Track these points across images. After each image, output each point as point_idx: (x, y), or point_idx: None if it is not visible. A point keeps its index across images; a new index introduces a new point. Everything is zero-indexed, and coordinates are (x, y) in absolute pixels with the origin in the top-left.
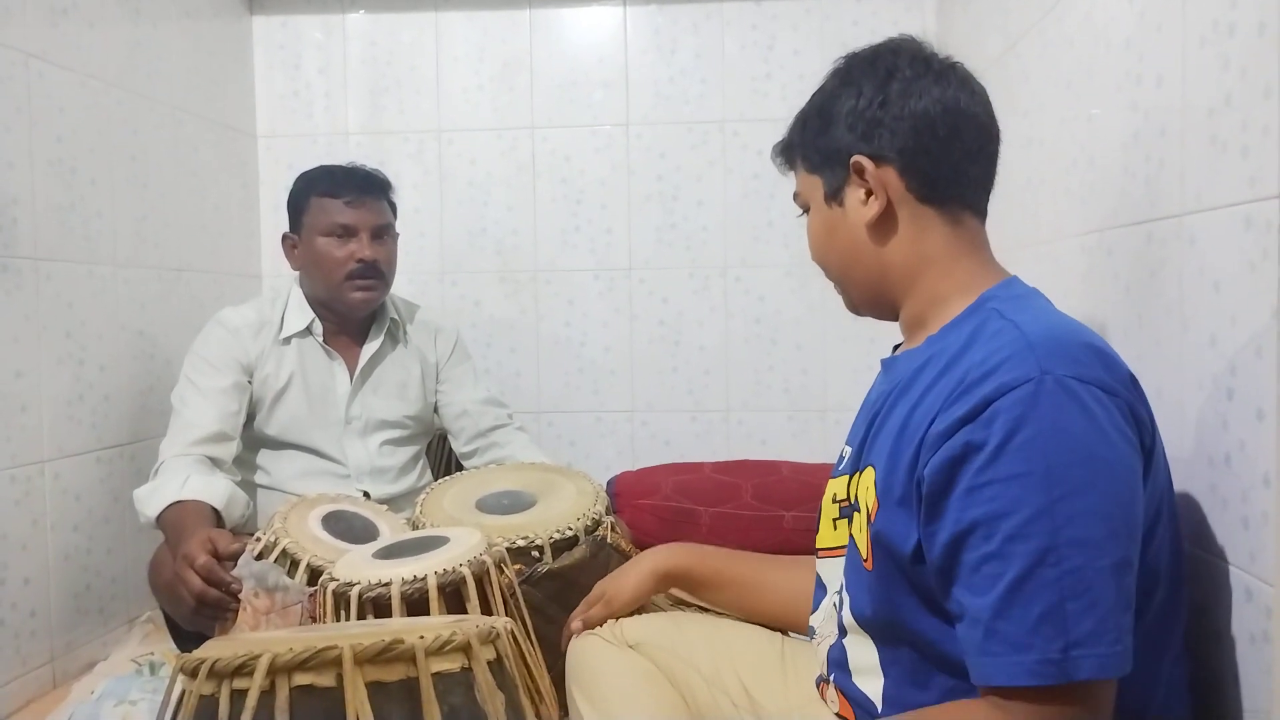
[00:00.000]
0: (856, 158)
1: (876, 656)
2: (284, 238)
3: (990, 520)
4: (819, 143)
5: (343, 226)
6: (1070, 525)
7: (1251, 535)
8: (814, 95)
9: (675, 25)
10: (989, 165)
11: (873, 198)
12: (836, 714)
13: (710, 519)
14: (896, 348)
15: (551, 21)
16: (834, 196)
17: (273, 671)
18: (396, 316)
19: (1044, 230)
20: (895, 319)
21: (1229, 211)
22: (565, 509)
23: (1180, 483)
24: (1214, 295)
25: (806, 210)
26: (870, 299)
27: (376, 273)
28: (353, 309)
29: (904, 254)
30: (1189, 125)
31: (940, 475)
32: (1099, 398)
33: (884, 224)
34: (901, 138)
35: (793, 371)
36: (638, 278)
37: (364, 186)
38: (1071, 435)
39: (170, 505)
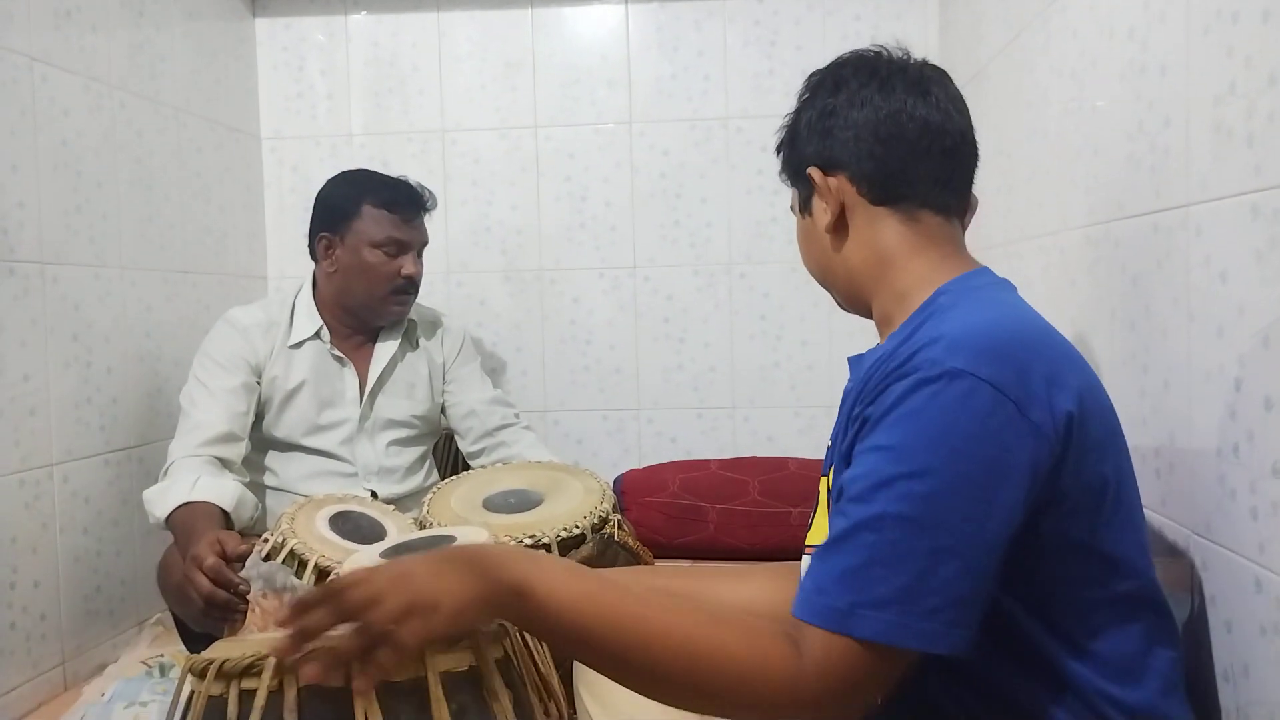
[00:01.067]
0: (810, 169)
1: None
2: (319, 237)
3: (850, 482)
4: (789, 159)
5: (398, 243)
6: (902, 502)
7: (1261, 526)
8: (788, 115)
9: (678, 22)
10: (945, 162)
11: (828, 205)
12: None
13: (717, 515)
14: None
15: (554, 20)
16: (805, 207)
17: (281, 672)
18: (413, 318)
19: (1050, 222)
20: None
21: (1235, 201)
22: (572, 507)
23: (1188, 474)
24: (1221, 285)
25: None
26: (848, 300)
27: (415, 288)
28: (386, 319)
29: (862, 255)
30: (1194, 114)
31: (849, 450)
32: (984, 395)
33: (840, 228)
34: (848, 146)
35: (798, 367)
36: (642, 275)
37: (420, 204)
38: (932, 421)
39: (180, 506)
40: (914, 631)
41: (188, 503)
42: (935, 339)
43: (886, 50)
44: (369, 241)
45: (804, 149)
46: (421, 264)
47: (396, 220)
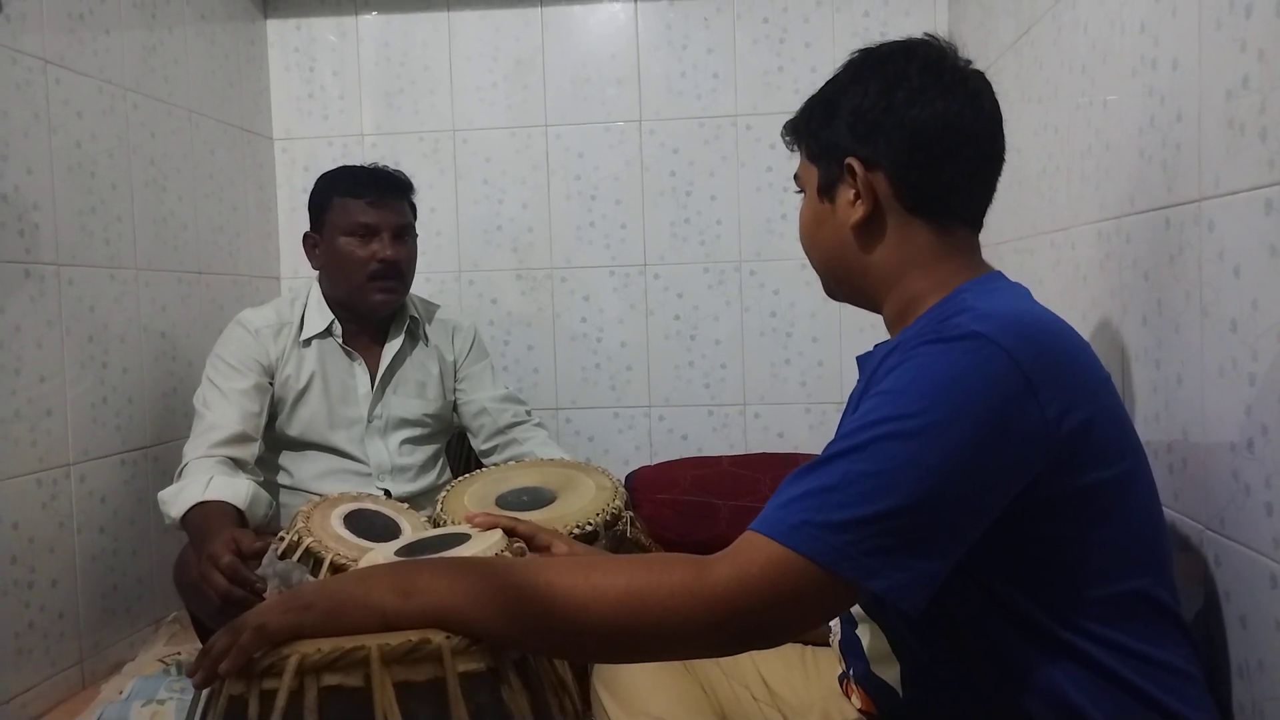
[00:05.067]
0: (849, 159)
1: (886, 642)
2: (305, 237)
3: (848, 425)
4: (820, 134)
5: (365, 226)
6: (885, 440)
7: (1275, 521)
8: (825, 84)
9: (686, 20)
10: (986, 184)
11: (860, 200)
12: (859, 710)
13: (729, 512)
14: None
15: (563, 19)
16: (826, 191)
17: (301, 672)
18: (416, 315)
19: (1061, 217)
20: (872, 310)
21: (1248, 195)
22: (584, 504)
23: (1201, 469)
24: (1234, 280)
25: (803, 192)
26: (849, 293)
27: (397, 273)
28: (373, 309)
29: (886, 259)
30: (1206, 109)
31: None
32: (1000, 361)
33: (869, 227)
34: (897, 147)
35: (809, 364)
36: (653, 273)
37: (386, 187)
38: (939, 374)
39: (194, 506)
40: (854, 563)
41: (202, 502)
42: (963, 310)
43: (947, 45)
44: (340, 230)
45: (841, 133)
46: (405, 248)
47: (362, 205)
